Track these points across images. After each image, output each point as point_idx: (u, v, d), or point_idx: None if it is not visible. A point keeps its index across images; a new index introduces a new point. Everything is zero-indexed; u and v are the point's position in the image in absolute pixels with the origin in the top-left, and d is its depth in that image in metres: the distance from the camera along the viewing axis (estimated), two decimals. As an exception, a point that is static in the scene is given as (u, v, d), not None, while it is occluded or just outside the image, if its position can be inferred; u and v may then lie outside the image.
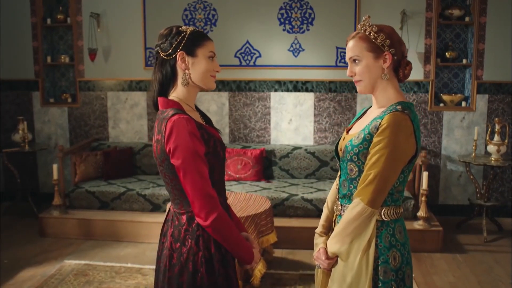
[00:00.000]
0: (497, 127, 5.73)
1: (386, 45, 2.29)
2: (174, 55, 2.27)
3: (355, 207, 2.25)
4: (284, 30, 6.44)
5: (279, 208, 5.60)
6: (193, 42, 2.28)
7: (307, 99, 6.51)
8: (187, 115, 2.20)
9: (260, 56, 6.49)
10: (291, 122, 6.57)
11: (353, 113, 6.44)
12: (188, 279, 2.21)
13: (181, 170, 2.15)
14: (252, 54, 6.50)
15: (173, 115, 2.18)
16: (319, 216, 5.51)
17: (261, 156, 6.27)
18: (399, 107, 2.25)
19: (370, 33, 2.30)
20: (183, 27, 2.30)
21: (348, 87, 6.39)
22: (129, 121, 6.78)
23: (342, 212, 2.41)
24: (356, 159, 2.30)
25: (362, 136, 2.28)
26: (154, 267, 4.89)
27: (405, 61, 2.34)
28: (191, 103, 2.34)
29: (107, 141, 6.81)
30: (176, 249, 2.26)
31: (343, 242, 2.30)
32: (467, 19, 6.17)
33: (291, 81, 6.49)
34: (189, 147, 2.13)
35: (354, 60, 2.34)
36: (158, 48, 2.30)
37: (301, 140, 6.59)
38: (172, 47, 2.26)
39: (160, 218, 5.55)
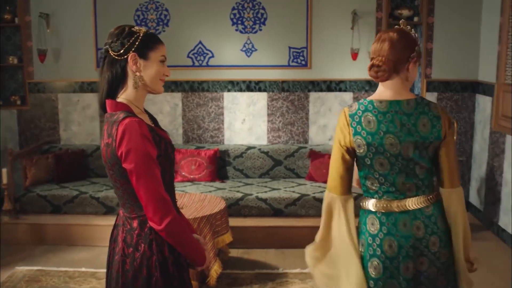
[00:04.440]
0: (445, 124, 5.87)
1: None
2: (125, 56, 2.22)
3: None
4: (236, 30, 6.45)
5: (234, 208, 5.62)
6: (146, 45, 2.25)
7: (260, 99, 6.54)
8: (139, 118, 2.17)
9: (213, 56, 6.49)
10: (245, 122, 6.59)
11: (306, 112, 6.51)
12: (142, 284, 2.19)
13: (134, 174, 2.12)
14: (205, 55, 6.49)
15: (124, 118, 2.14)
16: (274, 215, 5.62)
17: (215, 156, 6.27)
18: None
19: None
20: (136, 28, 2.26)
21: (301, 86, 6.45)
22: (81, 123, 6.68)
23: None
24: None
25: None
26: (108, 270, 4.86)
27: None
28: (140, 105, 2.30)
29: (58, 143, 6.69)
30: (128, 255, 2.23)
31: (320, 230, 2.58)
32: (415, 19, 6.31)
33: (244, 81, 6.51)
34: (142, 151, 2.10)
35: None
36: (108, 46, 2.25)
37: (255, 140, 6.62)
38: (124, 47, 2.22)
39: (114, 221, 5.49)
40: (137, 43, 2.23)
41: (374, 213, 2.47)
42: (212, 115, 6.59)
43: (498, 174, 5.69)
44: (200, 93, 6.56)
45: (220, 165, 6.40)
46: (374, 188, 2.47)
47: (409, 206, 2.43)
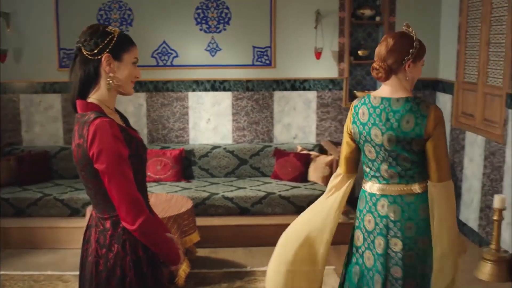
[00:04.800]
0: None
1: None
2: (99, 56, 2.20)
3: None
4: (201, 29, 6.45)
5: (201, 207, 5.63)
6: (121, 46, 2.25)
7: (225, 98, 6.56)
8: (109, 118, 2.16)
9: (177, 56, 6.48)
10: (210, 122, 6.60)
11: (270, 111, 6.56)
12: (117, 284, 2.19)
13: (106, 175, 2.11)
14: (169, 54, 6.48)
15: (95, 118, 2.13)
16: (240, 213, 5.65)
17: (181, 156, 6.27)
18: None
19: None
20: (111, 28, 2.25)
21: (265, 85, 6.50)
22: (43, 124, 6.58)
23: None
24: None
25: None
26: (75, 273, 4.80)
27: None
28: (111, 105, 2.29)
29: (20, 145, 6.58)
30: (102, 255, 2.23)
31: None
32: (377, 18, 6.41)
33: (208, 81, 6.51)
34: (114, 151, 2.10)
35: None
36: (80, 45, 2.22)
37: (220, 139, 6.63)
38: (98, 47, 2.20)
39: (79, 222, 5.44)
40: (112, 44, 2.22)
41: (364, 191, 2.86)
42: (177, 115, 6.58)
43: (459, 170, 5.83)
44: (164, 93, 6.54)
45: (186, 165, 6.40)
46: (366, 171, 2.86)
47: (389, 191, 2.73)
